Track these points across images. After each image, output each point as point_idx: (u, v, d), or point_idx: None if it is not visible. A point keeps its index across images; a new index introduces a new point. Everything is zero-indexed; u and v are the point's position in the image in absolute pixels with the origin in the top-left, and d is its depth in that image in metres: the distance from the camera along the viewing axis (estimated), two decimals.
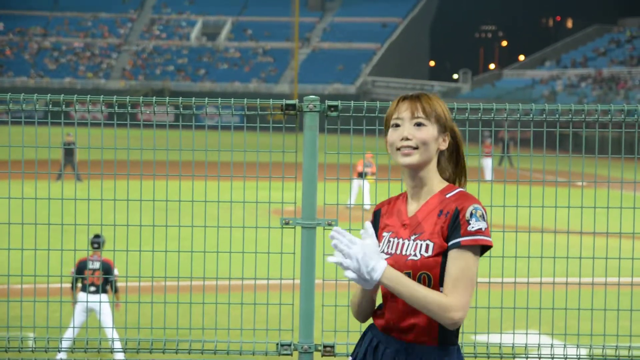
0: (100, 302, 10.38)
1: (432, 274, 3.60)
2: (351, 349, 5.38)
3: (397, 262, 3.63)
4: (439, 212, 3.66)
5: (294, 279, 5.42)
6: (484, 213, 3.62)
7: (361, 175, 22.54)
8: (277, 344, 5.39)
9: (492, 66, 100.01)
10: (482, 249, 3.62)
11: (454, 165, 3.83)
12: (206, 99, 5.32)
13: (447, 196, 3.68)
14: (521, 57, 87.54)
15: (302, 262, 5.26)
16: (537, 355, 5.47)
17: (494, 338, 5.99)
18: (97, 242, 10.62)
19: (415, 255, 3.62)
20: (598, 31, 77.43)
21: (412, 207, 3.75)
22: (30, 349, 5.46)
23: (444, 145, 3.76)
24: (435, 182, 3.74)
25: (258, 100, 5.32)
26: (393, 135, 3.73)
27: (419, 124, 3.70)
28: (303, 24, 79.09)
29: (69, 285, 11.07)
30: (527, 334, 5.49)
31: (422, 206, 3.72)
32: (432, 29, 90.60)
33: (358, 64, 78.86)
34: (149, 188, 5.52)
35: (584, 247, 5.56)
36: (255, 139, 5.52)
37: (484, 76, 79.53)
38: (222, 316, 5.67)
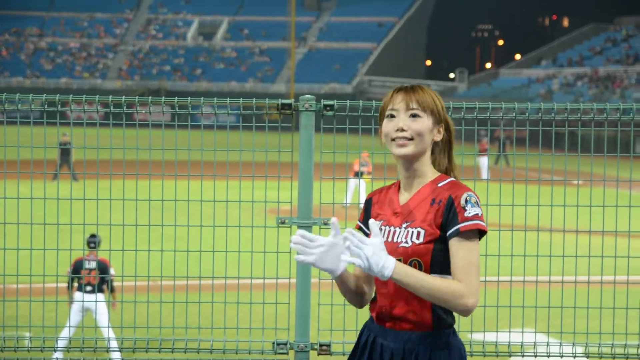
0: (96, 301, 10.37)
1: (422, 261, 3.62)
2: (347, 347, 5.38)
3: (389, 249, 3.65)
4: (431, 200, 3.68)
5: (289, 278, 5.42)
6: (478, 199, 3.66)
7: (357, 174, 22.55)
8: (273, 343, 5.39)
9: (488, 65, 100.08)
10: (479, 234, 3.63)
11: (447, 157, 3.86)
12: (202, 98, 5.32)
13: (439, 185, 3.72)
14: (517, 56, 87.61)
15: None
16: (533, 354, 5.48)
17: (490, 336, 5.99)
18: (93, 242, 10.62)
19: (406, 242, 3.65)
20: (594, 30, 77.50)
21: (404, 197, 3.78)
22: (26, 349, 5.45)
23: (438, 137, 3.79)
24: (429, 173, 3.77)
25: (254, 99, 5.32)
26: (388, 125, 3.74)
27: (414, 115, 3.72)
28: (299, 23, 79.10)
29: (65, 284, 11.07)
30: (523, 332, 5.50)
31: (414, 195, 3.74)
32: (428, 28, 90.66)
33: (354, 63, 78.89)
34: (145, 188, 5.51)
35: (580, 246, 5.56)
36: (251, 138, 5.52)
37: (480, 75, 79.60)
38: (218, 315, 5.67)
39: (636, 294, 5.85)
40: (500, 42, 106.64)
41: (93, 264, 10.69)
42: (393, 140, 3.72)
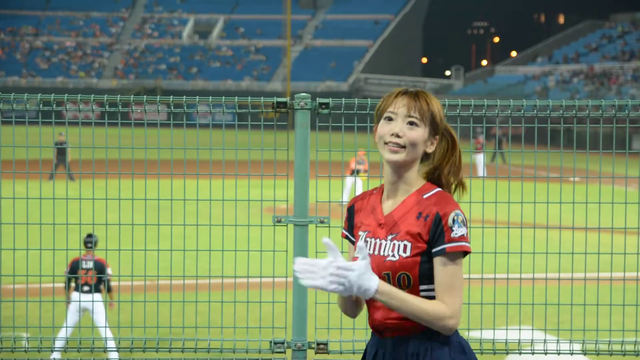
0: (93, 301, 10.36)
1: (411, 274, 3.61)
2: (345, 346, 5.39)
3: (376, 262, 3.64)
4: (417, 214, 3.65)
5: (286, 276, 5.42)
6: (464, 218, 3.65)
7: (354, 172, 22.56)
8: (271, 342, 5.39)
9: (484, 62, 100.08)
10: (463, 254, 3.66)
11: (445, 164, 3.80)
12: (197, 97, 5.32)
13: (425, 197, 3.68)
14: (513, 53, 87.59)
15: (295, 259, 5.26)
16: (530, 351, 5.48)
17: (487, 334, 6.00)
18: (90, 242, 10.61)
19: (393, 256, 3.63)
20: (590, 27, 77.53)
21: (388, 205, 3.75)
22: (24, 349, 5.45)
23: (431, 148, 3.75)
24: (415, 181, 3.74)
25: (249, 98, 5.32)
26: (384, 128, 3.71)
27: (411, 123, 3.69)
28: (295, 21, 79.06)
29: (62, 285, 11.06)
30: (520, 329, 5.50)
31: (399, 205, 3.71)
32: (424, 25, 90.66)
33: (350, 61, 78.86)
34: (141, 187, 5.51)
35: (576, 243, 5.57)
36: (247, 137, 5.51)
37: (476, 72, 79.61)
38: (215, 314, 5.67)
39: (633, 290, 5.86)
40: (496, 39, 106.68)
41: (90, 264, 10.69)
42: (386, 144, 3.70)
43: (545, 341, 5.43)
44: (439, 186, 3.76)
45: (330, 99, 5.33)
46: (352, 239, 3.84)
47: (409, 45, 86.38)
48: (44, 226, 5.47)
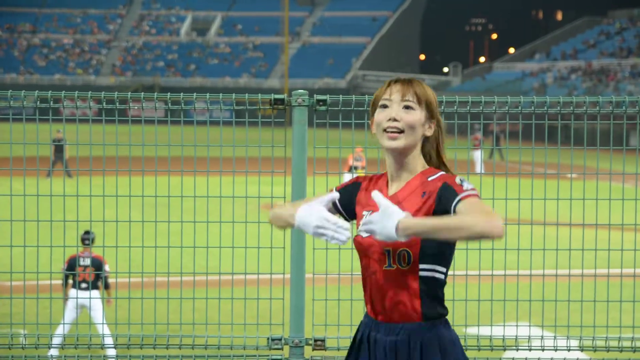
0: (90, 298, 10.36)
1: (412, 251, 3.60)
2: (342, 342, 5.39)
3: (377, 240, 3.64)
4: (421, 193, 3.66)
5: (284, 273, 5.42)
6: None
7: (351, 169, 22.56)
8: (268, 339, 5.39)
9: (482, 59, 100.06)
10: None
11: (436, 153, 3.82)
12: (194, 94, 5.31)
13: (430, 179, 3.68)
14: (511, 50, 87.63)
15: (292, 256, 5.27)
16: (527, 347, 5.49)
17: (485, 330, 6.00)
18: (87, 239, 10.61)
19: None
20: (587, 23, 77.53)
21: (393, 188, 3.76)
22: (21, 346, 5.45)
23: (429, 132, 3.76)
24: (418, 167, 3.75)
25: (247, 95, 5.32)
26: (380, 115, 3.72)
27: (407, 107, 3.70)
28: (293, 18, 79.02)
29: (60, 282, 11.05)
30: (517, 326, 5.50)
31: (404, 186, 3.72)
32: (422, 22, 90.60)
33: (348, 58, 78.83)
34: (138, 184, 5.51)
35: (574, 239, 5.57)
36: (245, 133, 5.51)
37: (474, 69, 79.61)
38: (212, 311, 5.67)
39: (630, 287, 5.87)
40: (494, 36, 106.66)
41: (87, 261, 10.68)
42: (385, 131, 3.70)
43: (542, 337, 5.44)
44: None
45: (328, 95, 5.33)
46: (337, 197, 3.79)
47: (406, 42, 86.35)
48: (42, 223, 5.47)
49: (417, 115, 3.71)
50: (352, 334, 3.91)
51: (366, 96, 5.25)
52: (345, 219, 3.87)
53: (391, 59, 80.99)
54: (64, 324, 10.36)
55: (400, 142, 3.68)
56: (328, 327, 5.52)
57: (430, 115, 3.75)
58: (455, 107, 5.31)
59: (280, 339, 5.38)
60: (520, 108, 5.38)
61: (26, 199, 5.49)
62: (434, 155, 3.82)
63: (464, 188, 3.58)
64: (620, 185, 6.10)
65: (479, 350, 5.39)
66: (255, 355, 5.46)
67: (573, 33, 77.33)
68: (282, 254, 5.40)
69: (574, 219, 5.56)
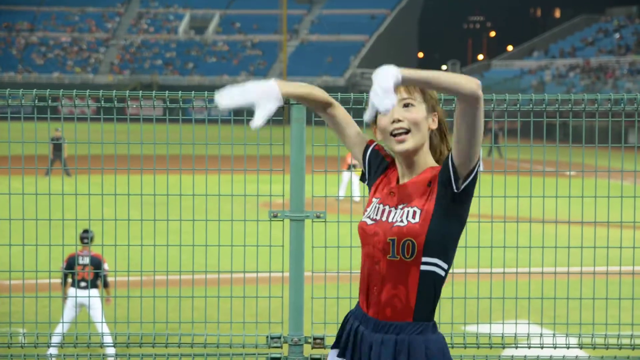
0: (89, 297, 10.36)
1: (416, 242, 3.60)
2: None
3: (382, 228, 3.65)
4: (428, 182, 3.68)
5: (283, 271, 5.42)
6: None
7: (350, 167, 22.55)
8: (267, 337, 5.39)
9: (480, 57, 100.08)
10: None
11: (445, 146, 3.83)
12: (193, 92, 5.31)
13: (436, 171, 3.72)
14: (509, 48, 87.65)
15: (291, 254, 5.26)
16: (526, 345, 5.49)
17: (484, 328, 6.00)
18: (86, 237, 10.61)
19: (401, 221, 3.64)
20: (586, 21, 77.57)
21: (403, 180, 3.78)
22: (20, 345, 5.45)
23: (434, 125, 3.77)
24: (429, 163, 3.77)
25: None
26: (383, 120, 3.73)
27: (407, 105, 3.70)
28: (291, 16, 78.98)
29: (59, 280, 11.05)
30: (516, 323, 5.50)
31: (413, 178, 3.74)
32: (420, 20, 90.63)
33: (346, 56, 78.82)
34: (137, 182, 5.51)
35: (572, 237, 5.57)
36: (243, 132, 5.51)
37: (472, 67, 79.68)
38: (211, 309, 5.67)
39: (629, 284, 5.87)
40: (492, 34, 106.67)
41: (87, 260, 10.68)
42: (392, 135, 3.71)
43: (541, 335, 5.44)
44: None
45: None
46: (367, 155, 3.89)
47: (405, 40, 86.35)
48: (40, 222, 5.46)
49: (418, 110, 3.71)
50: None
51: (365, 94, 5.24)
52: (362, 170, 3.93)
53: (390, 57, 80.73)
54: (63, 322, 10.35)
55: (409, 143, 3.69)
56: (327, 325, 5.51)
57: (431, 107, 3.75)
58: (454, 105, 5.31)
59: (279, 337, 5.38)
60: (518, 106, 5.38)
61: (25, 198, 5.48)
62: (443, 149, 3.82)
63: None
64: (619, 183, 6.10)
65: (478, 348, 5.39)
66: (254, 354, 5.46)
67: (571, 31, 77.36)
68: (281, 252, 5.40)
69: (573, 216, 5.57)
